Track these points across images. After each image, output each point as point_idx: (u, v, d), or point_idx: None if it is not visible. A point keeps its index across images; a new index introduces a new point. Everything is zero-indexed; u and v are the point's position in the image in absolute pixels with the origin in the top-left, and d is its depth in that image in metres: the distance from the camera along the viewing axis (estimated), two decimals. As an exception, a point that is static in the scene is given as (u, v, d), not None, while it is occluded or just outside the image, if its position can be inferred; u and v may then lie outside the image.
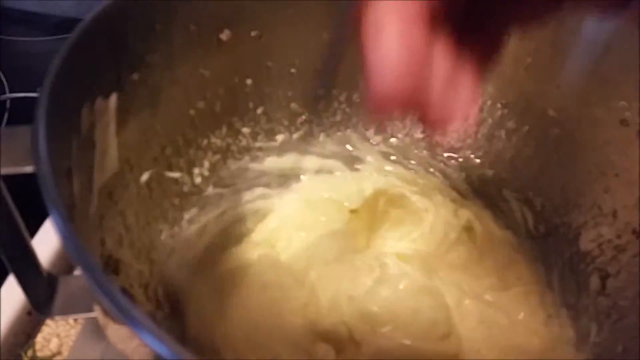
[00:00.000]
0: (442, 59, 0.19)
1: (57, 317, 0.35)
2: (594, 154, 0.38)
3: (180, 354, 0.16)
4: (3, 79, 0.62)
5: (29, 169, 0.25)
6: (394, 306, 0.38)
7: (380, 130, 0.48)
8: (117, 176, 0.32)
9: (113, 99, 0.31)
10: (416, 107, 0.19)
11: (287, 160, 0.47)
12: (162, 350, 0.16)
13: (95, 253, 0.27)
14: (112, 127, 0.31)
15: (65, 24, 0.74)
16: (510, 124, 0.41)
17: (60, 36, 0.71)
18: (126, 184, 0.33)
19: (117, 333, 0.23)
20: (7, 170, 0.24)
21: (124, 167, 0.33)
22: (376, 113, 0.18)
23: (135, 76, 0.33)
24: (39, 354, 0.40)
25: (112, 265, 0.30)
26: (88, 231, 0.27)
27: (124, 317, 0.17)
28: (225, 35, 0.38)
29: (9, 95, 0.59)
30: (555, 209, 0.40)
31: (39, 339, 0.41)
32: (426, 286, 0.40)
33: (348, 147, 0.48)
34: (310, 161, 0.48)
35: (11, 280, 0.40)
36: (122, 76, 0.32)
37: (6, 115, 0.57)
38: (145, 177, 0.35)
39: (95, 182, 0.29)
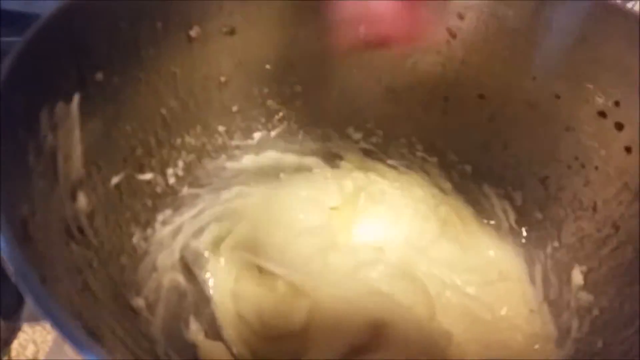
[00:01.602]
0: None
1: (26, 324, 0.34)
2: (574, 146, 0.37)
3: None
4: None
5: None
6: (368, 290, 0.38)
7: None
8: (83, 179, 0.31)
9: (75, 101, 0.30)
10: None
11: (265, 159, 0.46)
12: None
13: (58, 262, 0.26)
14: (76, 131, 0.30)
15: None
16: (487, 116, 0.40)
17: None
18: (94, 186, 0.32)
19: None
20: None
21: (91, 169, 0.32)
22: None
23: (100, 76, 0.32)
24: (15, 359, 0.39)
25: (79, 271, 0.29)
26: (49, 235, 0.26)
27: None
28: (194, 32, 0.37)
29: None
30: (535, 203, 0.39)
31: (15, 345, 0.40)
32: (404, 273, 0.39)
33: (328, 144, 0.47)
34: (290, 159, 0.47)
35: None
36: (85, 77, 0.31)
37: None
38: (114, 179, 0.35)
39: (60, 187, 0.29)
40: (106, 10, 0.31)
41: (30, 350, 0.40)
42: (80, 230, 0.30)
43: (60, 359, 0.39)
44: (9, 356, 0.40)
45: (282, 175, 0.47)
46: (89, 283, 0.29)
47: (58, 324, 0.16)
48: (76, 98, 0.30)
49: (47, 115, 0.27)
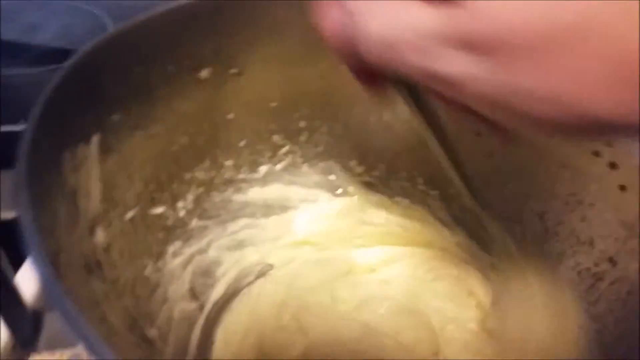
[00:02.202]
0: None
1: (44, 353, 0.35)
2: (570, 183, 0.38)
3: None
4: (-13, 111, 0.60)
5: (12, 214, 0.25)
6: (376, 329, 0.39)
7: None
8: (101, 215, 0.32)
9: (95, 142, 0.31)
10: None
11: (271, 191, 0.47)
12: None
13: (80, 297, 0.27)
14: (95, 170, 0.31)
15: (48, 55, 0.72)
16: (485, 153, 0.42)
17: (43, 67, 0.68)
18: (110, 221, 0.34)
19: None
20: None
21: (108, 205, 0.33)
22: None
23: (116, 117, 0.33)
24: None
25: (97, 304, 0.30)
26: (72, 272, 0.27)
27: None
28: (204, 74, 0.38)
29: (-5, 128, 0.57)
30: (534, 237, 0.40)
31: None
32: (409, 309, 0.40)
33: (331, 177, 0.49)
34: (295, 191, 0.48)
35: None
36: (102, 119, 0.32)
37: (-11, 148, 0.56)
38: (129, 214, 0.36)
39: (80, 225, 0.30)
40: (121, 57, 0.33)
41: None
42: (98, 264, 0.31)
43: None
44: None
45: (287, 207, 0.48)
46: (106, 315, 0.30)
47: (90, 345, 0.18)
48: (95, 139, 0.31)
49: (70, 157, 0.29)
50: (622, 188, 0.35)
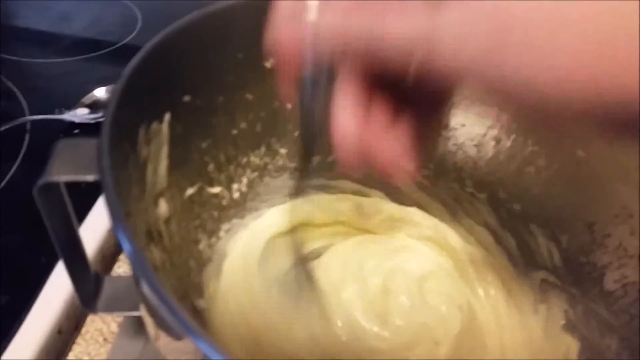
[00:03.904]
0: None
1: (102, 313, 0.37)
2: (622, 196, 0.38)
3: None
4: (23, 101, 0.62)
5: (90, 178, 0.27)
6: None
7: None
8: (165, 189, 0.35)
9: (166, 120, 0.34)
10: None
11: (321, 183, 0.49)
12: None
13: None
14: (165, 146, 0.34)
15: (78, 45, 0.74)
16: (540, 162, 0.42)
17: (74, 57, 0.70)
18: (172, 195, 0.36)
19: (170, 346, 0.25)
20: (69, 178, 0.26)
21: (172, 180, 0.36)
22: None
23: (187, 99, 0.36)
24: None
25: (156, 271, 0.32)
26: (136, 238, 0.29)
27: (190, 334, 0.19)
28: (270, 63, 0.40)
29: (28, 117, 0.58)
30: (581, 247, 0.40)
31: (70, 357, 0.41)
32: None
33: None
34: (345, 185, 0.50)
35: (41, 300, 0.41)
36: (175, 99, 0.35)
37: (27, 137, 0.57)
38: (189, 190, 0.38)
39: (146, 196, 0.32)
40: (198, 42, 0.35)
41: None
42: (159, 234, 0.33)
43: None
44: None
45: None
46: (162, 283, 0.32)
47: (169, 308, 0.19)
48: (167, 117, 0.34)
49: (144, 131, 0.31)
50: (677, 205, 0.35)
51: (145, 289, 0.20)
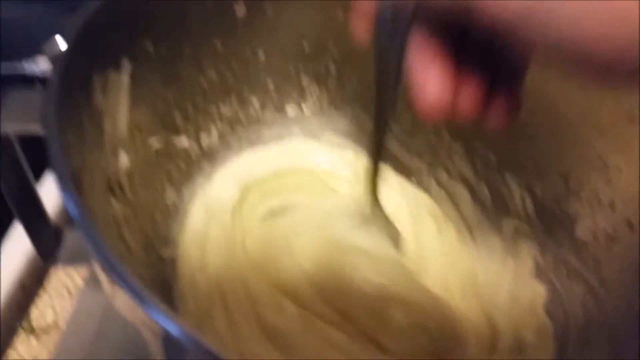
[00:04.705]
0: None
1: (62, 266, 0.37)
2: (600, 146, 0.37)
3: (188, 332, 0.17)
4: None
5: (38, 130, 0.26)
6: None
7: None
8: (126, 140, 0.34)
9: (125, 67, 0.32)
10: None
11: (297, 135, 0.48)
12: (171, 328, 0.18)
13: (102, 216, 0.29)
14: (125, 96, 0.32)
15: None
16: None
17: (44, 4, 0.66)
18: (134, 147, 0.35)
19: (127, 304, 0.25)
20: (16, 129, 0.25)
21: (134, 131, 0.35)
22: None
23: (149, 47, 0.34)
24: (34, 323, 0.40)
25: (117, 224, 0.31)
26: (94, 190, 0.29)
27: (134, 296, 0.18)
28: (240, 12, 0.38)
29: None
30: (554, 197, 0.40)
31: (35, 312, 0.41)
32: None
33: (358, 126, 0.49)
34: (322, 138, 0.49)
35: (2, 256, 0.40)
36: (134, 47, 0.33)
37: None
38: (153, 142, 0.37)
39: (105, 147, 0.31)
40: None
41: (49, 317, 0.40)
42: (120, 187, 0.33)
43: (81, 325, 0.40)
44: (29, 322, 0.40)
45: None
46: (124, 235, 0.32)
47: (109, 264, 0.19)
48: (126, 66, 0.32)
49: (100, 79, 0.30)
50: (652, 154, 0.34)
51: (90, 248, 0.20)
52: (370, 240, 0.41)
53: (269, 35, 0.42)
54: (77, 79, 0.27)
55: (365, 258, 0.40)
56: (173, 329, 0.18)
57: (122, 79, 0.32)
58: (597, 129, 0.37)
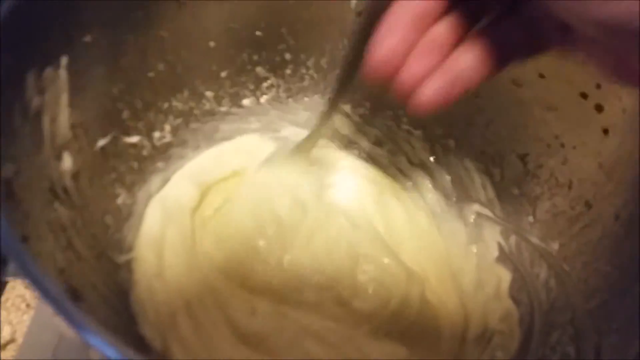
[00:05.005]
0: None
1: (19, 279, 0.35)
2: (555, 126, 0.38)
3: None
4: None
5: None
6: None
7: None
8: (69, 141, 0.32)
9: (63, 63, 0.30)
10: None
11: (254, 126, 0.47)
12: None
13: (45, 223, 0.27)
14: (64, 93, 0.30)
15: None
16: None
17: None
18: (79, 148, 0.33)
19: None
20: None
21: (78, 131, 0.33)
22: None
23: (88, 39, 0.32)
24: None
25: (63, 230, 0.30)
26: (33, 195, 0.27)
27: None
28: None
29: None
30: (514, 179, 0.40)
31: None
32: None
33: (316, 113, 0.48)
34: (280, 126, 0.47)
35: None
36: (73, 40, 0.31)
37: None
38: (100, 141, 0.35)
39: (45, 149, 0.29)
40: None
41: (6, 332, 0.39)
42: (65, 191, 0.31)
43: (39, 339, 0.38)
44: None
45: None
46: (72, 242, 0.30)
47: (36, 281, 0.17)
48: (64, 60, 0.30)
49: (34, 77, 0.28)
50: (605, 132, 0.34)
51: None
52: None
53: (218, 21, 0.40)
54: (6, 78, 0.26)
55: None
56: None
57: (60, 75, 0.30)
58: (551, 109, 0.38)
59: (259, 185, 0.41)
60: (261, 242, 0.38)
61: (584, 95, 0.35)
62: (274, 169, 0.42)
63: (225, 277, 0.37)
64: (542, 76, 0.37)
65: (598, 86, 0.35)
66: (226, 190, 0.43)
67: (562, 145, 0.37)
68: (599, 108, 0.35)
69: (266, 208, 0.40)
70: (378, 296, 0.37)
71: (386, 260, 0.39)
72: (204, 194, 0.41)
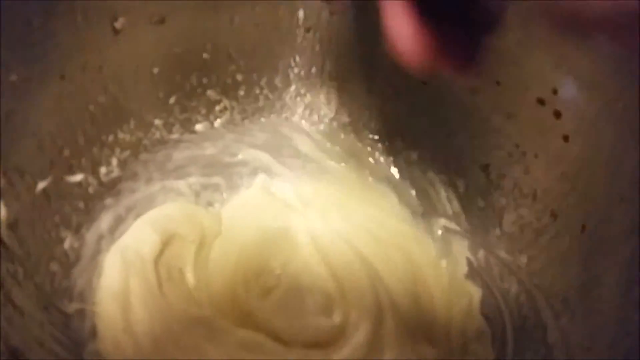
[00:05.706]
0: None
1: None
2: (514, 134, 0.37)
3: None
4: None
5: None
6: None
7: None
8: (4, 188, 0.29)
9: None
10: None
11: (209, 151, 0.45)
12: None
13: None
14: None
15: None
16: (430, 102, 0.40)
17: None
18: (17, 194, 0.31)
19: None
20: None
21: (13, 176, 0.30)
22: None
23: (14, 77, 0.30)
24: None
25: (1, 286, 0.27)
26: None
27: None
28: (120, 24, 0.35)
29: None
30: (478, 191, 0.39)
31: None
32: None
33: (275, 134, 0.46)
34: (238, 148, 0.46)
35: None
36: (-2, 78, 0.29)
37: None
38: (40, 184, 0.33)
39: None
40: (15, 7, 0.29)
41: None
42: (2, 242, 0.28)
43: None
44: None
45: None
46: (12, 296, 0.28)
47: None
48: (-12, 103, 0.28)
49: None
50: (565, 139, 0.34)
51: None
52: None
53: (159, 46, 0.38)
54: None
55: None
56: None
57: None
58: (510, 117, 0.37)
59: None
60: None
61: (541, 102, 0.35)
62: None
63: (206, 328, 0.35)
64: (498, 83, 0.36)
65: (554, 92, 0.34)
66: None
67: (524, 154, 0.37)
68: (557, 114, 0.34)
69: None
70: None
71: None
72: (166, 243, 0.38)
